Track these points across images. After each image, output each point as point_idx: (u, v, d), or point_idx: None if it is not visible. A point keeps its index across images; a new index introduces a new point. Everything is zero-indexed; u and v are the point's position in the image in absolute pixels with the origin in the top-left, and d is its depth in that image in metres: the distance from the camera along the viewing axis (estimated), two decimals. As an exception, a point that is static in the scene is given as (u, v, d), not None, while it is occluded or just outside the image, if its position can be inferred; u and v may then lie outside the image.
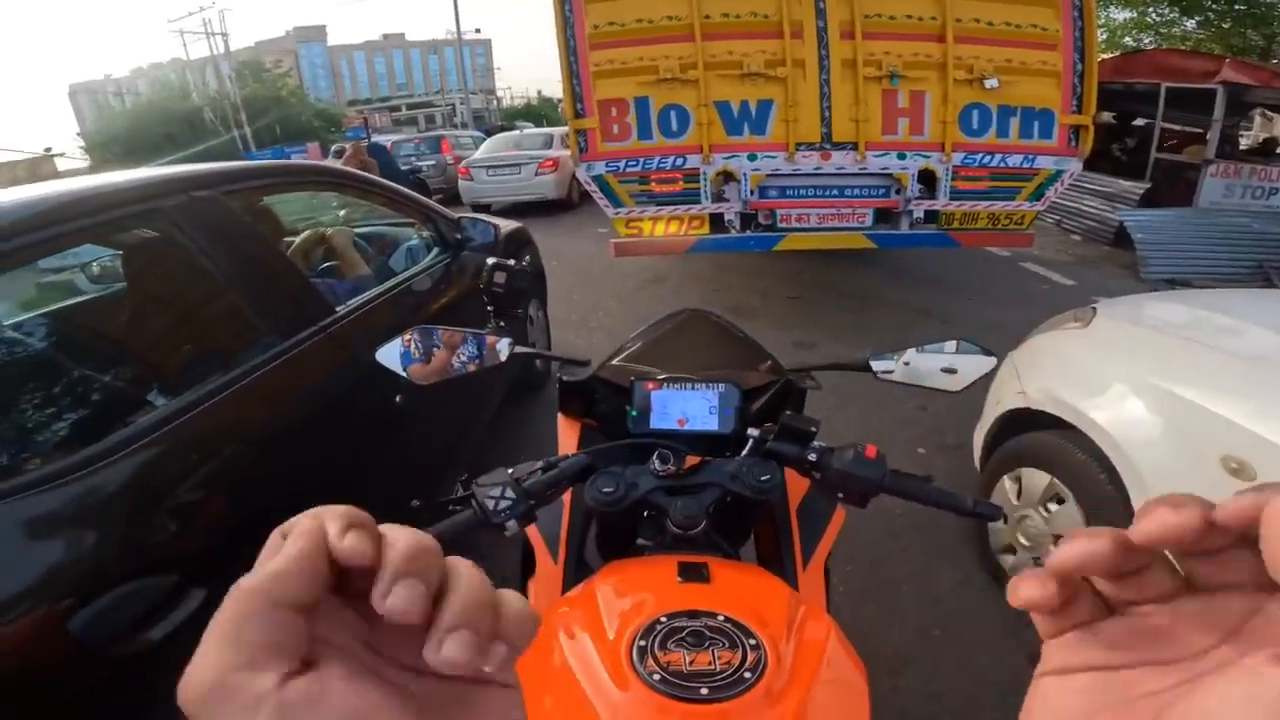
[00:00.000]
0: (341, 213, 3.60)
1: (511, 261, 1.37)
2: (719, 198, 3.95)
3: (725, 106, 3.84)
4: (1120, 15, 12.70)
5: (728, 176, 3.92)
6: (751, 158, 3.86)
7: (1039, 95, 3.85)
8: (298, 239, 2.89)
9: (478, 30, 55.93)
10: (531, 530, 0.97)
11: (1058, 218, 7.42)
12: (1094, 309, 2.02)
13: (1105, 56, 9.95)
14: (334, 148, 9.96)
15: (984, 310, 4.61)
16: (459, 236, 2.95)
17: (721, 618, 0.68)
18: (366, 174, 2.75)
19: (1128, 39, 12.62)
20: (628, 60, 3.79)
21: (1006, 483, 1.92)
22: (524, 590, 1.06)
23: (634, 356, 1.19)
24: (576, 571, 0.98)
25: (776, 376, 1.08)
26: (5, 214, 1.29)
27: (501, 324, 1.32)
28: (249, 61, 35.09)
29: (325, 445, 1.72)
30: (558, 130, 10.71)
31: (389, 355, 1.13)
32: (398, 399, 1.93)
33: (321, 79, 58.65)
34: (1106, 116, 8.14)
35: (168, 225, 1.61)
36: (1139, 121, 8.29)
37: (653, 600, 0.73)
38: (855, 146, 3.85)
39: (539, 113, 48.13)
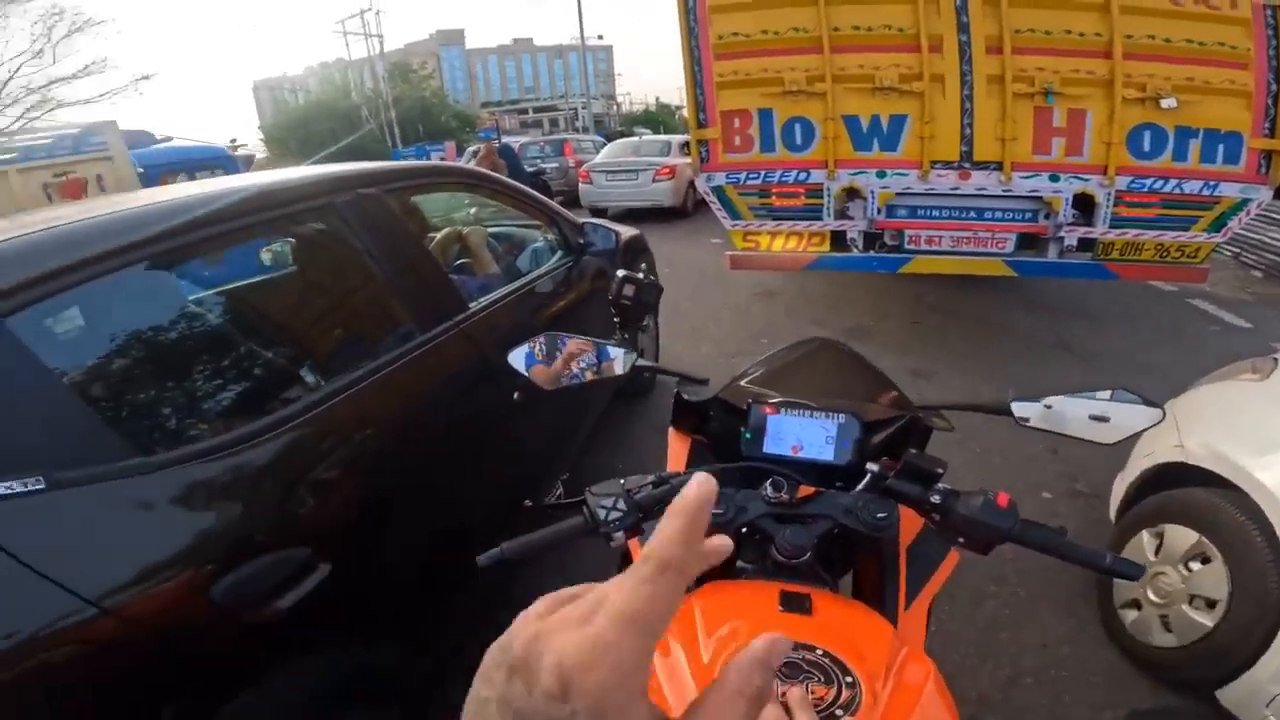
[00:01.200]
0: (471, 211, 3.82)
1: (642, 275, 1.38)
2: (842, 215, 3.81)
3: (854, 121, 3.71)
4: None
5: (853, 193, 3.76)
6: (880, 174, 3.69)
7: (1224, 117, 3.44)
8: (438, 236, 3.08)
9: (600, 37, 57.45)
10: (633, 540, 1.00)
11: (1236, 250, 6.58)
12: (1276, 359, 1.84)
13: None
14: (469, 148, 10.54)
15: (1137, 351, 4.14)
16: (581, 241, 3.03)
17: (820, 651, 0.67)
18: (502, 177, 2.89)
19: None
20: (752, 71, 3.74)
21: (1145, 537, 1.81)
22: None
23: (757, 381, 1.17)
24: None
25: (902, 412, 1.04)
26: (209, 204, 1.46)
27: (625, 335, 1.34)
28: (399, 63, 37.83)
29: (449, 435, 1.81)
30: (676, 138, 10.79)
31: (518, 358, 1.17)
32: (515, 396, 2.00)
33: (459, 80, 62.34)
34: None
35: (337, 219, 1.77)
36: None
37: (751, 626, 0.73)
38: (1000, 166, 3.59)
39: (657, 119, 48.79)
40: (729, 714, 0.26)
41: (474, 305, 2.09)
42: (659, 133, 22.30)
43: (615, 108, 52.71)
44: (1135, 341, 4.32)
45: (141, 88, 21.57)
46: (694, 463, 1.09)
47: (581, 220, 3.21)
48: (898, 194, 3.71)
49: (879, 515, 0.82)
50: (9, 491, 0.98)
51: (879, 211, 3.74)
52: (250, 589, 1.15)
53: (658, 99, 61.29)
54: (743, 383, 1.16)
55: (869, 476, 0.90)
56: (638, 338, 3.31)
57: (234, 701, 1.12)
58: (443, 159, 16.74)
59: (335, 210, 1.76)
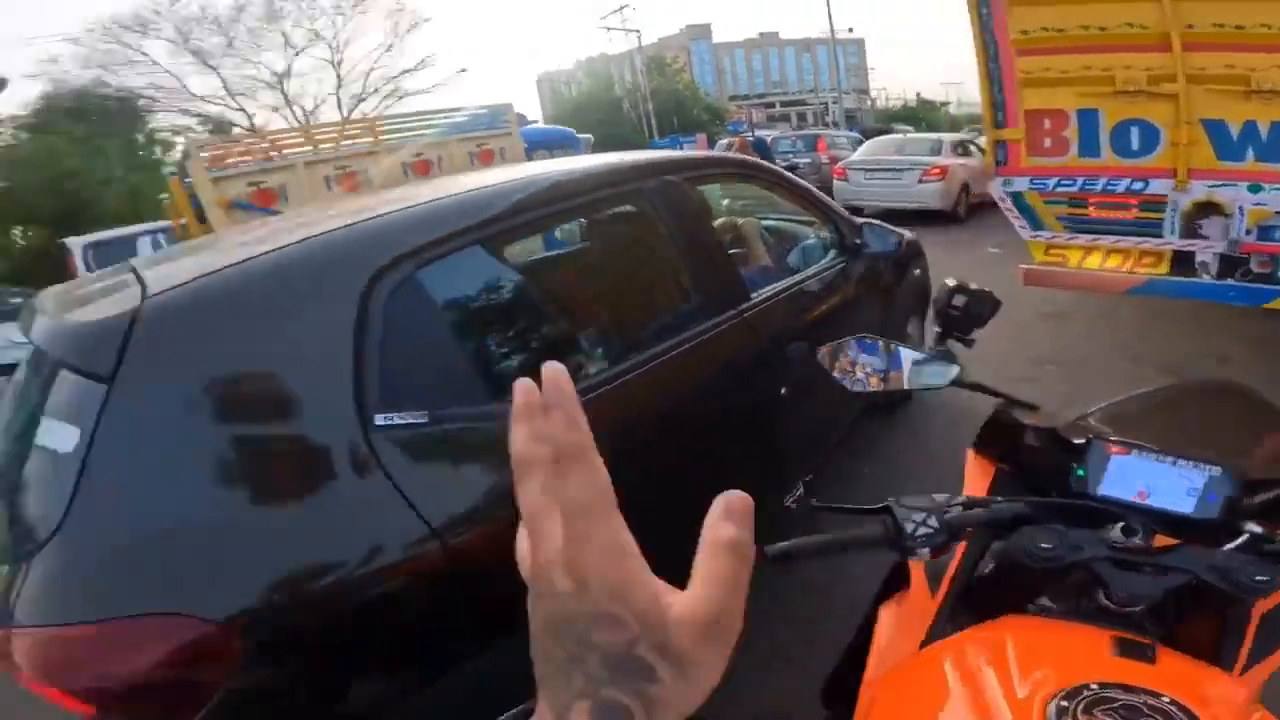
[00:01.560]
0: (738, 204, 3.87)
1: (974, 285, 1.28)
2: (1191, 233, 3.17)
3: (1219, 126, 3.06)
4: None
5: (1209, 208, 3.11)
6: (1255, 189, 2.98)
7: None
8: (716, 224, 3.19)
9: (850, 30, 54.48)
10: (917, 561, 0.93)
11: None
12: None
13: None
14: (720, 141, 10.76)
15: None
16: (858, 242, 2.91)
17: (1166, 699, 0.61)
18: (786, 172, 2.88)
19: None
20: (1068, 69, 3.28)
21: None
22: (875, 610, 1.02)
23: (1110, 417, 1.04)
24: (951, 614, 0.92)
25: None
26: (553, 183, 1.68)
27: (942, 348, 1.25)
28: (654, 57, 39.77)
29: (720, 420, 1.87)
30: (948, 136, 9.99)
31: (826, 356, 1.15)
32: (783, 390, 2.01)
33: (708, 74, 63.90)
34: None
35: (645, 203, 1.92)
36: None
37: (1078, 665, 0.68)
38: None
39: (917, 115, 45.27)
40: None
41: (755, 296, 2.13)
42: (919, 130, 20.64)
43: (869, 103, 49.90)
44: None
45: (459, 79, 25.50)
46: (998, 491, 1.00)
47: (860, 220, 3.08)
48: (1278, 213, 2.98)
49: (1259, 578, 0.72)
50: (400, 422, 1.17)
51: (1247, 232, 3.04)
52: None
53: (918, 94, 56.82)
54: (1094, 418, 1.03)
55: (1246, 537, 0.79)
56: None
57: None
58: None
59: (644, 194, 1.91)
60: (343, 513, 1.13)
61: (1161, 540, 0.81)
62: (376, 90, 24.20)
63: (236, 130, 21.17)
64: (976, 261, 6.21)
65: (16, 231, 15.29)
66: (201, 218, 5.13)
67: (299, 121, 22.94)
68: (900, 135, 11.44)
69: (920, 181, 8.61)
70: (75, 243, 8.40)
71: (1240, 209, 3.01)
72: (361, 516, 1.13)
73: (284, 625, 1.06)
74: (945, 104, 52.98)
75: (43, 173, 14.22)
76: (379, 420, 1.15)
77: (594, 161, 2.04)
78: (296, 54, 22.43)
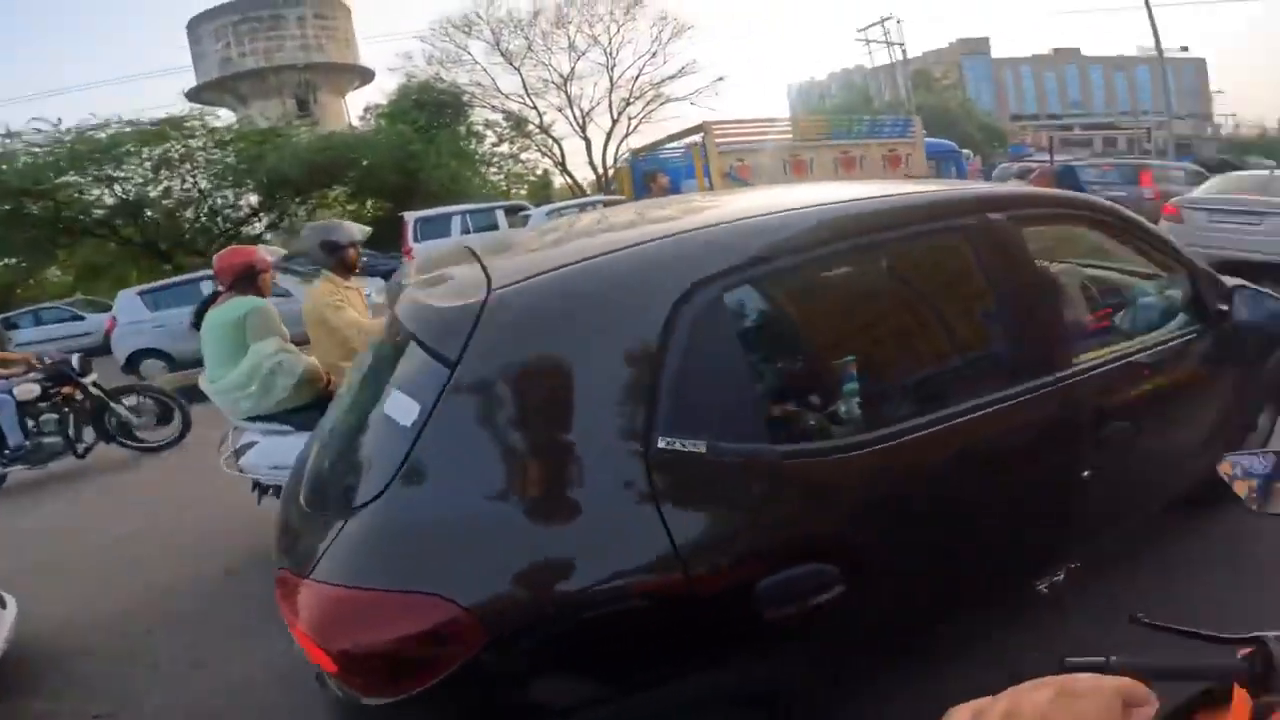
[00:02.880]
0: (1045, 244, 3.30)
1: None
2: None
3: None
4: None
5: None
6: None
7: None
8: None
9: (1184, 49, 44.56)
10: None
11: None
12: None
13: None
14: (1001, 165, 9.49)
15: None
16: (1221, 308, 2.29)
17: None
18: (1139, 219, 2.35)
19: None
20: None
21: None
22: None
23: None
24: None
25: None
26: (869, 212, 1.58)
27: None
28: (920, 71, 37.49)
29: (1002, 494, 1.64)
30: None
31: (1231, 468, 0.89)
32: (1085, 474, 1.71)
33: (984, 91, 58.05)
34: None
35: (965, 243, 1.69)
36: None
37: None
38: None
39: (1275, 146, 35.94)
40: None
41: (1077, 361, 1.79)
42: (1284, 164, 16.24)
43: (1210, 130, 40.76)
44: None
45: (718, 88, 26.40)
46: None
47: (1231, 282, 2.42)
48: None
49: None
50: (680, 448, 1.14)
51: None
52: (784, 593, 1.17)
53: (1279, 122, 44.99)
54: None
55: None
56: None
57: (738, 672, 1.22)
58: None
59: (965, 233, 1.69)
60: (603, 524, 1.15)
61: None
62: (642, 94, 26.03)
63: (530, 128, 24.29)
64: None
65: (370, 204, 19.11)
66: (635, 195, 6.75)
67: (579, 121, 25.62)
68: (1265, 173, 9.04)
69: None
70: (410, 216, 10.78)
71: None
72: (619, 531, 1.15)
73: (523, 622, 1.11)
74: (1322, 135, 41.14)
75: (393, 155, 17.62)
76: (661, 443, 1.14)
77: (915, 191, 1.86)
78: (579, 57, 25.03)
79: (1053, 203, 2.28)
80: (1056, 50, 61.57)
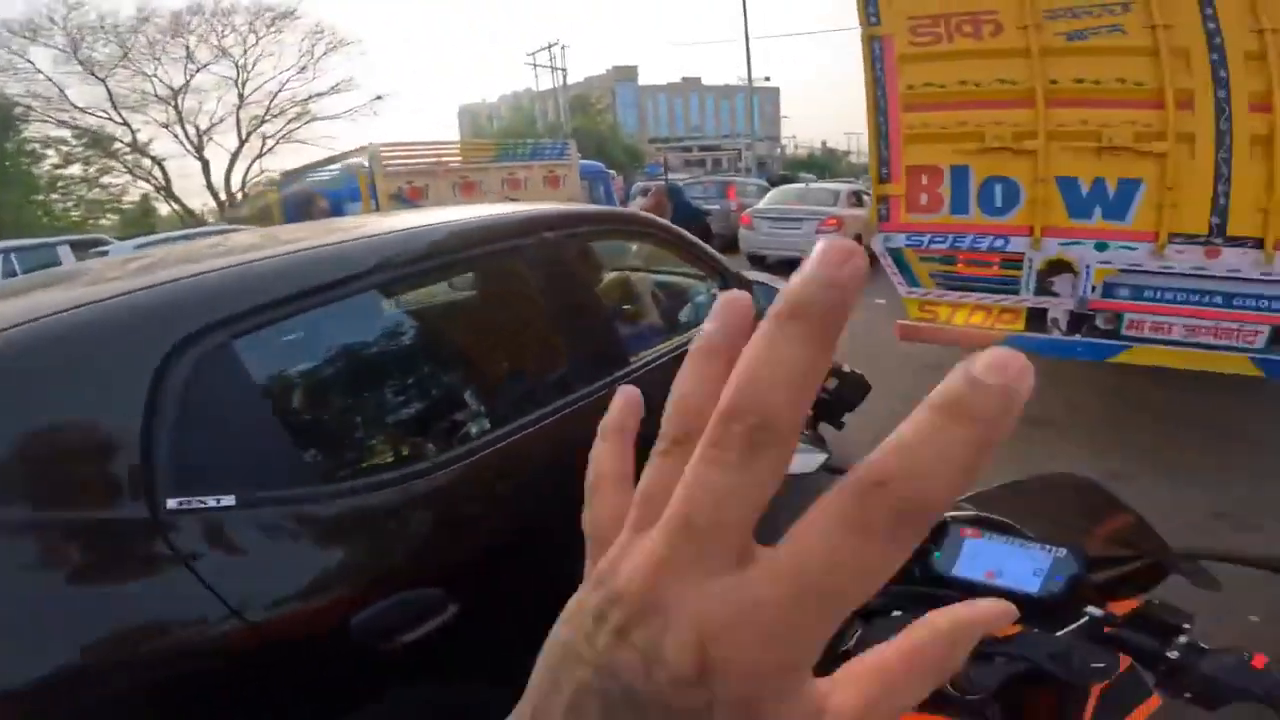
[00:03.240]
0: (634, 253, 3.87)
1: (847, 367, 1.28)
2: (1045, 290, 3.37)
3: (1071, 184, 3.29)
4: None
5: (1061, 266, 3.32)
6: (1100, 246, 3.22)
7: None
8: (606, 279, 3.14)
9: (767, 79, 57.54)
10: None
11: None
12: None
13: None
14: (636, 184, 10.92)
15: None
16: (746, 299, 2.93)
17: None
18: (677, 229, 2.87)
19: None
20: (946, 125, 3.45)
21: None
22: None
23: (967, 504, 1.07)
24: None
25: (1138, 553, 0.95)
26: (421, 239, 1.58)
27: (810, 433, 1.24)
28: (579, 96, 40.89)
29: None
30: (844, 186, 10.47)
31: None
32: None
33: (630, 116, 65.57)
34: None
35: (522, 264, 1.82)
36: None
37: None
38: (1260, 244, 3.01)
39: (822, 164, 48.04)
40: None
41: (635, 359, 2.06)
42: (823, 179, 21.79)
43: (780, 150, 52.65)
44: None
45: (376, 107, 25.08)
46: None
47: (751, 277, 3.12)
48: (1121, 270, 3.22)
49: (1095, 665, 0.77)
50: (200, 506, 1.07)
51: (1093, 290, 3.26)
52: (387, 623, 1.17)
53: (824, 143, 60.31)
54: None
55: (1085, 620, 0.84)
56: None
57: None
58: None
59: (520, 253, 1.81)
60: (137, 595, 1.05)
61: (1010, 629, 0.83)
62: (282, 111, 23.51)
63: (117, 146, 20.01)
64: (862, 313, 6.45)
65: None
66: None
67: (194, 140, 22.06)
68: (803, 185, 11.97)
69: (818, 232, 8.91)
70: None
71: (1087, 267, 3.24)
72: (156, 599, 1.05)
73: (80, 704, 0.97)
74: (848, 153, 56.53)
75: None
76: (172, 504, 1.06)
77: (469, 216, 1.94)
78: (198, 69, 21.65)
79: (604, 220, 2.60)
80: (685, 79, 72.54)
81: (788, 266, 9.09)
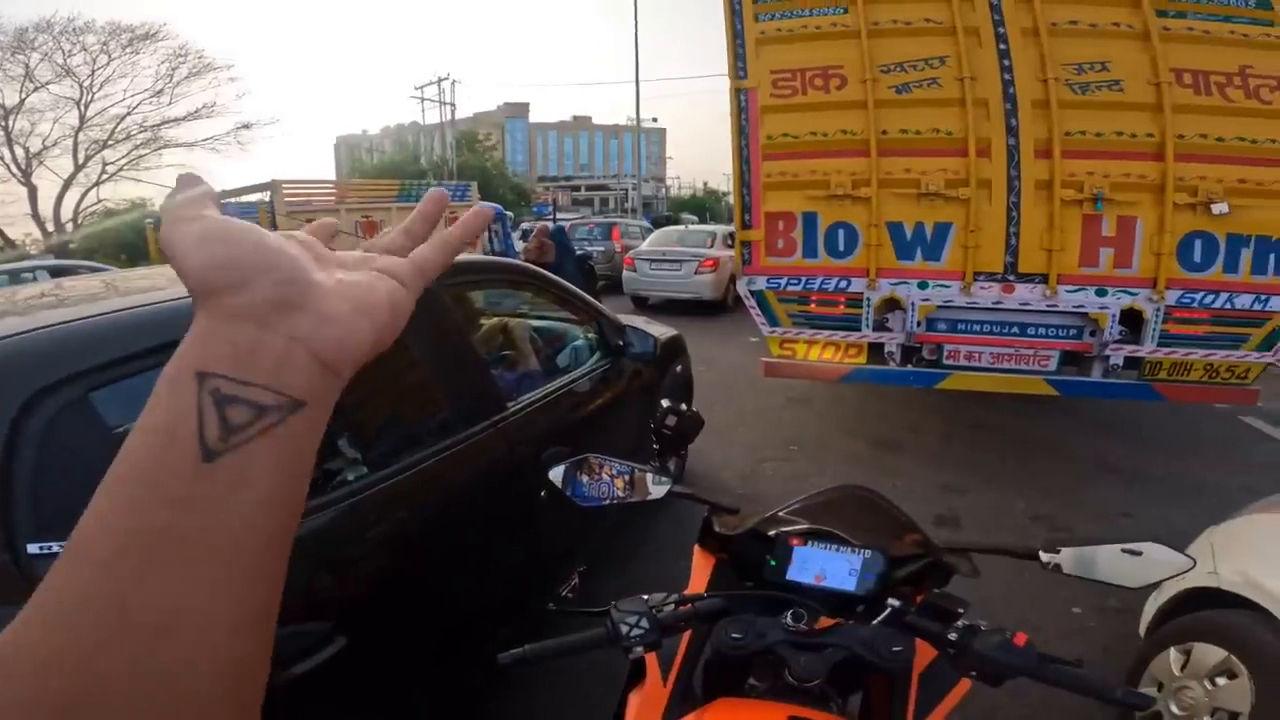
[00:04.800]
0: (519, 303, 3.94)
1: (684, 407, 1.45)
2: (881, 326, 3.76)
3: (898, 228, 3.64)
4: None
5: (893, 304, 3.72)
6: (922, 285, 3.65)
7: (1276, 222, 3.32)
8: (485, 326, 3.19)
9: (654, 119, 59.70)
10: (649, 655, 1.03)
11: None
12: None
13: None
14: (523, 225, 11.00)
15: (1186, 470, 3.97)
16: (621, 343, 3.09)
17: None
18: (553, 276, 2.99)
19: None
20: (799, 173, 3.69)
21: (1173, 653, 1.94)
22: (625, 698, 1.10)
23: (792, 514, 1.20)
24: (682, 698, 1.01)
25: (926, 552, 1.08)
26: None
27: (661, 462, 1.39)
28: (467, 131, 39.66)
29: (476, 528, 1.89)
30: (720, 228, 10.91)
31: (557, 475, 1.23)
32: (543, 494, 2.03)
33: (520, 154, 65.22)
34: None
35: None
36: None
37: None
38: (1045, 279, 3.51)
39: (704, 205, 49.91)
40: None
41: (512, 404, 2.17)
42: (705, 219, 22.73)
43: (664, 190, 54.24)
44: (1184, 460, 4.14)
45: (243, 136, 23.16)
46: (717, 583, 1.14)
47: (625, 321, 3.30)
48: (939, 306, 3.65)
49: (894, 649, 0.88)
50: (49, 552, 1.09)
51: (919, 325, 3.67)
52: (275, 653, 1.19)
53: (705, 184, 62.85)
54: (780, 514, 1.19)
55: (889, 610, 0.95)
56: (672, 462, 3.31)
57: None
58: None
59: None
60: None
61: (828, 621, 0.95)
62: (129, 137, 21.30)
63: None
64: (737, 351, 6.89)
65: None
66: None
67: (19, 161, 19.67)
68: (683, 227, 12.48)
69: (697, 273, 9.28)
70: None
71: (912, 304, 3.64)
72: None
73: None
74: (726, 194, 59.36)
75: None
76: (33, 549, 1.09)
77: None
78: (36, 88, 19.35)
79: (480, 269, 2.69)
80: (575, 117, 73.16)
81: (669, 306, 9.46)
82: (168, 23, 23.85)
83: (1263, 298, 3.36)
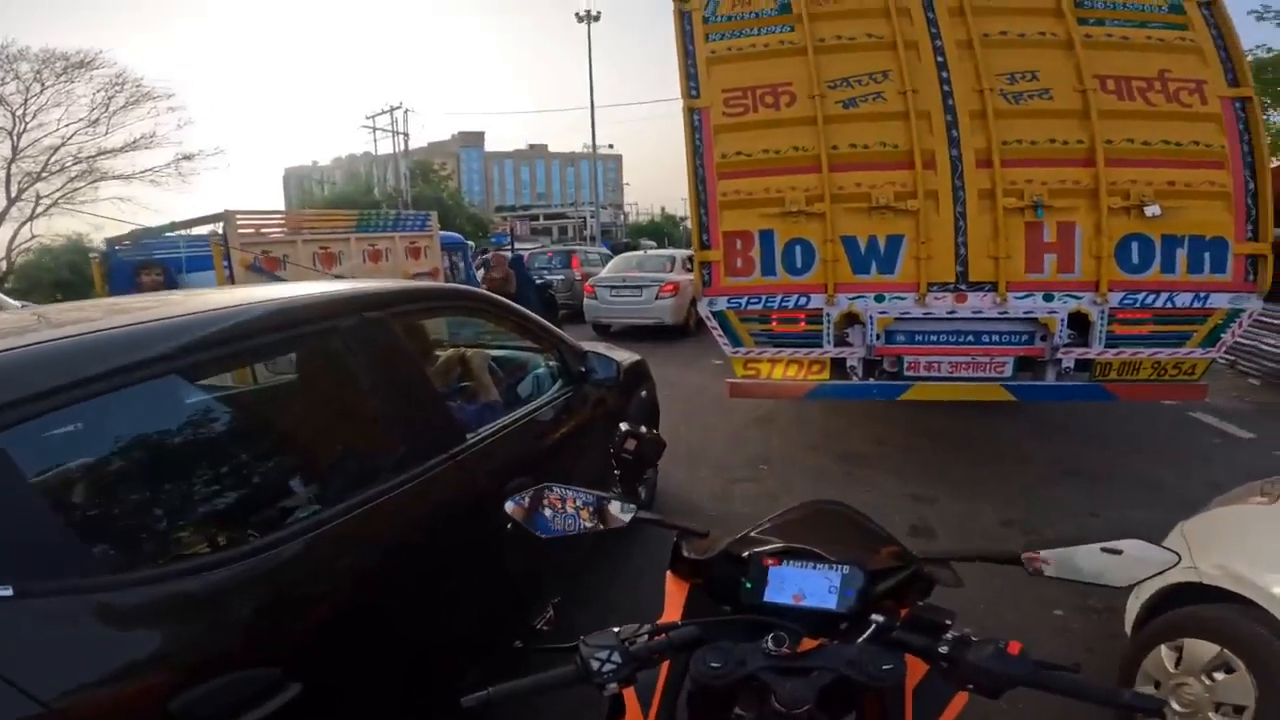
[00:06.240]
0: (477, 331, 3.86)
1: (644, 429, 1.41)
2: (842, 341, 3.76)
3: (852, 242, 3.66)
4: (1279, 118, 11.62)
5: (852, 318, 3.73)
6: (879, 299, 3.68)
7: (1208, 221, 3.45)
8: (441, 357, 3.10)
9: (610, 146, 60.25)
10: (627, 689, 0.99)
11: (1232, 359, 6.59)
12: None
13: (1273, 162, 8.93)
14: (481, 257, 10.92)
15: (1146, 468, 4.07)
16: (583, 369, 3.04)
17: None
18: (507, 302, 2.93)
19: None
20: (754, 191, 3.68)
21: (1164, 650, 1.92)
22: None
23: (764, 534, 1.17)
24: None
25: (905, 564, 1.05)
26: (214, 324, 1.52)
27: (624, 488, 1.35)
28: (421, 161, 38.96)
29: (437, 564, 1.79)
30: (679, 252, 10.99)
31: (514, 509, 1.19)
32: (509, 526, 1.98)
33: (476, 183, 65.03)
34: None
35: (340, 344, 1.79)
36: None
37: None
38: (995, 287, 3.57)
39: (662, 230, 50.40)
40: None
41: (471, 436, 2.09)
42: (663, 245, 22.94)
43: (622, 217, 54.43)
44: (1142, 458, 4.25)
45: (183, 168, 21.88)
46: (692, 610, 1.10)
47: (588, 348, 3.25)
48: (896, 319, 3.68)
49: (884, 667, 0.84)
50: None
51: (878, 338, 3.69)
52: (213, 705, 1.14)
53: (663, 209, 63.32)
54: (752, 534, 1.16)
55: (873, 627, 0.92)
56: (641, 488, 3.24)
57: None
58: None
59: (340, 334, 1.79)
60: None
61: (811, 642, 0.91)
62: (64, 168, 20.17)
63: None
64: (701, 374, 6.89)
65: None
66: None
67: None
68: (642, 252, 12.56)
69: (657, 298, 9.30)
70: None
71: (871, 318, 3.66)
72: None
73: None
74: (684, 218, 60.00)
75: None
76: None
77: (287, 295, 1.86)
78: None
79: (433, 296, 2.60)
80: (531, 146, 73.41)
81: (631, 332, 9.42)
82: (104, 50, 22.75)
83: (1202, 295, 3.47)
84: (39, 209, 20.14)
